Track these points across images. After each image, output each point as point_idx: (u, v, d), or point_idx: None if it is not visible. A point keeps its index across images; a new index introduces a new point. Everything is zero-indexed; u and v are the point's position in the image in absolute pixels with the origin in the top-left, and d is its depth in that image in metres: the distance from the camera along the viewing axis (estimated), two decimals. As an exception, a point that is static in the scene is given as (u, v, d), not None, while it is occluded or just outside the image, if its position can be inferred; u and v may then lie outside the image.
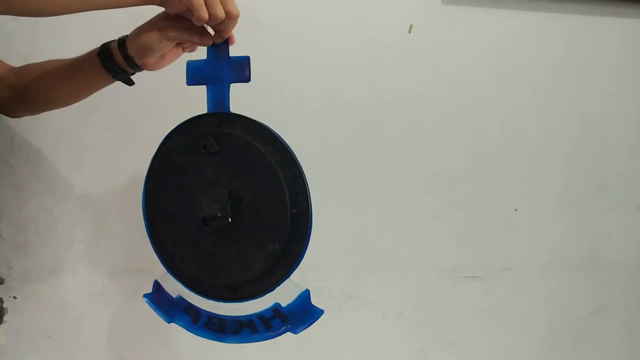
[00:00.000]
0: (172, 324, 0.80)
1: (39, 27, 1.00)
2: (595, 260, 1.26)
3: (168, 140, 0.76)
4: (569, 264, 1.25)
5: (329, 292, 1.16)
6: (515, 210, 1.21)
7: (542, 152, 1.21)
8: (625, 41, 1.21)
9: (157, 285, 0.80)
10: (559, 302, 1.26)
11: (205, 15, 0.68)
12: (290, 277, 0.74)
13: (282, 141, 0.73)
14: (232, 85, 0.76)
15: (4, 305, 1.05)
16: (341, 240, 1.15)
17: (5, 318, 1.06)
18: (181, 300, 0.79)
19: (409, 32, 1.12)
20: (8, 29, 0.99)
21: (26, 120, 0.94)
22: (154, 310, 0.79)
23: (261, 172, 0.72)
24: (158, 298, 0.79)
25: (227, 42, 0.75)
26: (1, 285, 1.05)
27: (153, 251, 0.77)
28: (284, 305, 0.75)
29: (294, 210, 0.72)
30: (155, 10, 0.72)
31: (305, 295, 0.75)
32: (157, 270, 0.79)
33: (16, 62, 0.85)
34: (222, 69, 0.75)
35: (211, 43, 0.74)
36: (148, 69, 0.77)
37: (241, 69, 0.74)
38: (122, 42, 0.75)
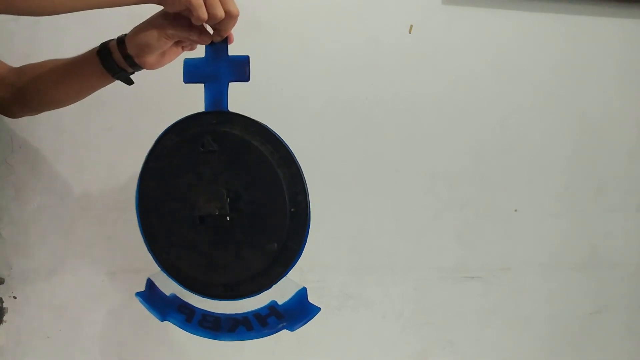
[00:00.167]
0: (170, 324, 0.80)
1: (39, 27, 1.00)
2: (595, 260, 1.26)
3: (163, 138, 0.76)
4: (569, 264, 1.25)
5: (329, 292, 1.16)
6: (515, 210, 1.21)
7: (542, 152, 1.21)
8: (625, 41, 1.21)
9: (150, 284, 0.79)
10: (559, 302, 1.26)
11: (205, 15, 0.68)
12: (288, 275, 0.74)
13: (281, 141, 0.73)
14: (231, 84, 0.75)
15: (4, 305, 1.05)
16: (341, 240, 1.15)
17: (5, 318, 1.06)
18: (175, 298, 0.79)
19: (409, 32, 1.12)
20: (8, 29, 0.99)
21: (26, 120, 0.94)
22: (147, 308, 0.78)
23: (260, 171, 0.72)
24: (151, 296, 0.79)
25: (226, 41, 0.75)
26: (1, 285, 1.05)
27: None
28: (280, 302, 0.75)
29: (292, 210, 0.72)
30: (154, 9, 0.72)
31: (302, 293, 0.75)
32: (157, 270, 0.79)
33: (16, 62, 0.85)
34: (220, 68, 0.75)
35: (210, 41, 0.74)
36: (147, 68, 0.77)
37: (240, 69, 0.75)
38: (121, 40, 0.75)
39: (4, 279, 1.05)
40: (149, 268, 0.79)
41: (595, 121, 1.22)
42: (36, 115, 0.91)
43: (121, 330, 1.10)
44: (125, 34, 0.76)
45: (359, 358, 1.20)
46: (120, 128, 1.05)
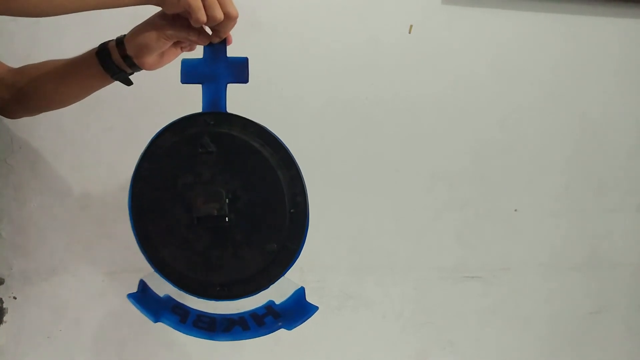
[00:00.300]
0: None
1: (39, 27, 1.00)
2: (595, 260, 1.26)
3: (159, 138, 0.75)
4: (569, 264, 1.25)
5: (329, 292, 1.16)
6: (515, 210, 1.21)
7: (542, 152, 1.21)
8: (625, 41, 1.21)
9: (142, 285, 0.79)
10: (559, 302, 1.26)
11: (204, 18, 0.68)
12: (287, 275, 0.74)
13: (280, 142, 0.73)
14: (230, 85, 0.75)
15: (4, 305, 1.06)
16: (341, 240, 1.15)
17: (5, 318, 1.06)
18: (169, 299, 0.79)
19: (409, 32, 1.12)
20: (8, 29, 0.99)
21: (26, 121, 0.94)
22: (139, 309, 0.78)
23: (260, 173, 0.73)
24: (143, 298, 0.79)
25: (224, 42, 0.75)
26: (1, 285, 1.05)
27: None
28: (277, 302, 0.75)
29: (292, 211, 0.73)
30: (154, 9, 0.72)
31: (300, 293, 0.75)
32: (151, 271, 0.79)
33: (16, 62, 0.85)
34: (218, 69, 0.75)
35: (209, 42, 0.74)
36: (146, 69, 0.77)
37: (239, 70, 0.74)
38: (120, 41, 0.75)
39: (4, 279, 1.05)
40: (148, 268, 0.79)
41: (595, 121, 1.22)
42: (36, 116, 0.91)
43: (121, 330, 1.10)
44: (124, 35, 0.75)
45: (359, 358, 1.20)
46: (120, 128, 1.05)
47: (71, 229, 1.06)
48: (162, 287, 0.78)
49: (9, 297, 1.06)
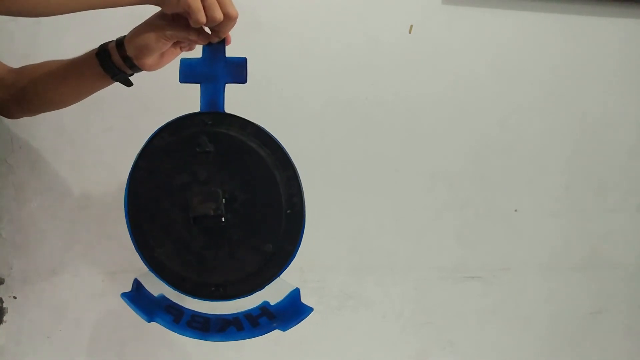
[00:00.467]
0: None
1: (39, 27, 1.00)
2: (595, 260, 1.26)
3: (156, 137, 0.76)
4: (569, 264, 1.25)
5: (329, 292, 1.16)
6: (515, 210, 1.21)
7: (542, 152, 1.21)
8: (625, 41, 1.20)
9: (136, 284, 0.79)
10: (559, 302, 1.26)
11: (203, 19, 0.67)
12: (283, 276, 0.74)
13: (277, 143, 0.73)
14: (230, 85, 0.75)
15: (4, 305, 1.06)
16: (341, 240, 1.15)
17: (5, 318, 1.06)
18: (163, 299, 0.79)
19: (409, 33, 1.12)
20: (8, 29, 0.99)
21: (26, 121, 0.94)
22: (133, 309, 0.78)
23: (257, 173, 0.72)
24: (137, 297, 0.79)
25: (223, 42, 0.75)
26: (1, 285, 1.05)
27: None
28: (272, 303, 0.75)
29: (288, 211, 0.73)
30: (154, 10, 0.72)
31: (295, 294, 0.75)
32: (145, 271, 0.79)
33: (16, 62, 0.85)
34: (217, 69, 0.74)
35: (208, 42, 0.74)
36: (146, 69, 0.77)
37: (238, 70, 0.74)
38: (119, 42, 0.75)
39: (4, 279, 1.05)
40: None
41: (595, 121, 1.22)
42: (36, 116, 0.91)
43: (121, 330, 1.10)
44: (124, 36, 0.75)
45: (359, 358, 1.20)
46: (120, 128, 1.05)
47: (71, 229, 1.06)
48: (157, 287, 0.78)
49: (9, 297, 1.06)
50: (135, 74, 0.78)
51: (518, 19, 1.15)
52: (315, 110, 1.11)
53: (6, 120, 0.97)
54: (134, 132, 1.03)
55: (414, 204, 1.17)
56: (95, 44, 0.78)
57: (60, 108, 0.86)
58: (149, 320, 0.78)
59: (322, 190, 1.13)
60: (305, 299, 1.14)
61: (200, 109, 0.75)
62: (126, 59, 0.75)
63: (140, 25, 0.74)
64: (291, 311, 0.75)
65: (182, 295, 0.77)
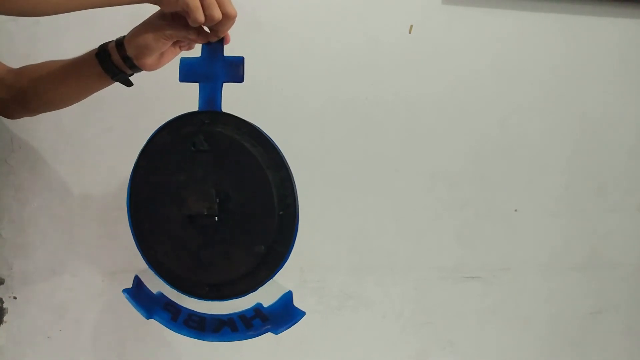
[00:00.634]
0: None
1: (39, 27, 1.00)
2: (595, 260, 1.26)
3: (156, 136, 0.76)
4: (569, 264, 1.25)
5: (329, 292, 1.16)
6: (516, 210, 1.21)
7: (542, 152, 1.21)
8: (625, 41, 1.21)
9: (137, 281, 0.80)
10: (559, 302, 1.26)
11: (202, 18, 0.67)
12: (275, 278, 0.74)
13: (272, 143, 0.73)
14: (230, 85, 0.75)
15: (4, 305, 1.06)
16: (341, 240, 1.15)
17: (5, 318, 1.06)
18: (161, 296, 0.79)
19: (409, 33, 1.12)
20: (8, 29, 0.99)
21: (26, 121, 0.94)
22: (133, 305, 0.79)
23: (250, 173, 0.72)
24: (138, 293, 0.79)
25: (221, 41, 0.74)
26: (1, 285, 1.05)
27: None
28: (265, 305, 0.75)
29: (280, 213, 0.72)
30: (153, 9, 0.72)
31: (288, 297, 0.75)
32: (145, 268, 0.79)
33: (16, 62, 0.85)
34: (215, 68, 0.74)
35: (207, 40, 0.74)
36: (146, 69, 0.77)
37: (235, 69, 0.74)
38: (119, 42, 0.75)
39: (4, 279, 1.05)
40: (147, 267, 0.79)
41: (595, 121, 1.22)
42: (36, 116, 0.91)
43: (121, 330, 1.10)
44: (124, 36, 0.75)
45: (359, 358, 1.20)
46: (120, 128, 1.05)
47: (71, 229, 1.06)
48: (156, 284, 0.79)
49: (9, 297, 1.06)
50: (135, 73, 0.78)
51: (518, 19, 1.15)
52: (315, 110, 1.11)
53: (6, 121, 0.97)
54: (134, 132, 1.03)
55: (414, 204, 1.17)
56: (95, 44, 0.78)
57: (60, 108, 0.86)
58: (148, 317, 0.79)
59: (322, 190, 1.13)
60: (305, 299, 1.15)
61: (199, 108, 0.75)
62: (126, 59, 0.75)
63: (140, 25, 0.74)
64: (284, 314, 0.74)
65: (179, 294, 0.78)
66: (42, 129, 1.03)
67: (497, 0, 1.14)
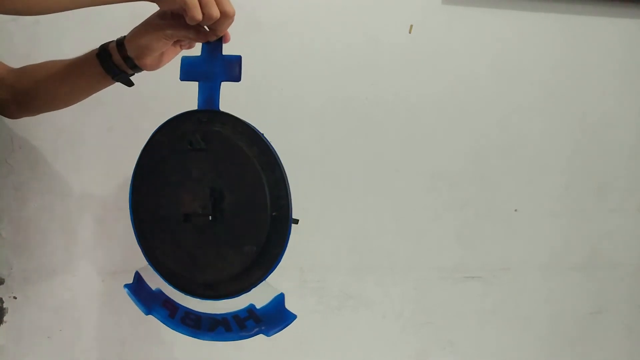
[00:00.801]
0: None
1: (39, 27, 1.00)
2: (595, 260, 1.26)
3: (157, 134, 0.76)
4: (569, 264, 1.25)
5: (329, 292, 1.17)
6: (516, 210, 1.21)
7: (542, 152, 1.21)
8: (625, 41, 1.21)
9: (137, 277, 0.80)
10: (559, 302, 1.26)
11: (199, 16, 0.67)
12: (268, 280, 0.74)
13: (267, 143, 0.73)
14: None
15: (4, 305, 1.06)
16: (341, 240, 1.15)
17: (5, 318, 1.06)
18: (160, 293, 0.80)
19: (409, 32, 1.12)
20: (8, 29, 0.99)
21: (26, 121, 0.94)
22: (133, 301, 0.79)
23: (244, 173, 0.72)
24: (138, 289, 0.80)
25: (220, 40, 0.74)
26: (1, 285, 1.05)
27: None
28: (258, 306, 0.75)
29: (274, 214, 0.72)
30: (154, 8, 0.72)
31: (280, 299, 0.74)
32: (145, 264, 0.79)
33: (16, 62, 0.85)
34: (214, 67, 0.74)
35: (207, 39, 0.74)
36: (147, 69, 0.77)
37: (233, 68, 0.74)
38: (120, 42, 0.75)
39: (4, 279, 1.05)
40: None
41: (595, 121, 1.22)
42: (36, 116, 0.91)
43: (121, 330, 1.10)
44: (124, 36, 0.75)
45: (359, 358, 1.20)
46: (120, 128, 1.05)
47: (71, 229, 1.06)
48: (155, 281, 0.79)
49: (9, 297, 1.06)
50: (135, 73, 0.78)
51: (518, 19, 1.15)
52: (315, 110, 1.11)
53: (6, 120, 0.97)
54: (134, 132, 1.03)
55: (414, 204, 1.17)
56: (95, 44, 0.78)
57: (61, 108, 0.86)
58: (147, 313, 0.79)
59: (322, 190, 1.13)
60: (305, 299, 1.15)
61: (198, 107, 0.75)
62: (127, 59, 0.75)
63: (140, 25, 0.74)
64: (276, 316, 0.74)
65: (177, 292, 0.78)
66: (42, 129, 1.03)
67: (497, 0, 1.14)
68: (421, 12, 1.12)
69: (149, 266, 0.78)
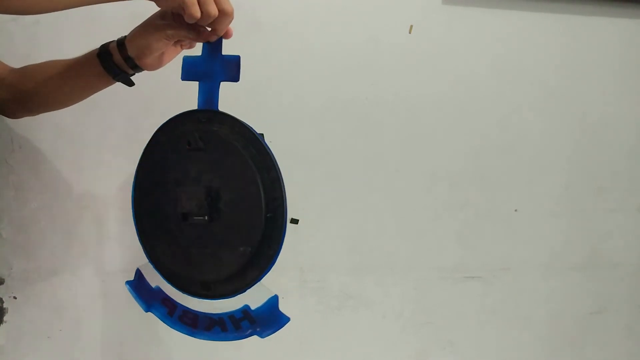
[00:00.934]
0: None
1: (39, 27, 1.00)
2: (595, 260, 1.26)
3: (158, 134, 0.77)
4: (569, 264, 1.25)
5: (329, 292, 1.16)
6: (516, 210, 1.21)
7: (542, 152, 1.21)
8: (625, 41, 1.21)
9: (138, 274, 0.81)
10: (559, 302, 1.26)
11: (198, 13, 0.66)
12: (263, 282, 0.74)
13: (263, 144, 0.73)
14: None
15: (4, 305, 1.06)
16: (341, 240, 1.15)
17: (5, 318, 1.06)
18: (159, 291, 0.80)
19: (409, 32, 1.12)
20: (8, 29, 0.99)
21: (26, 120, 0.94)
22: (134, 297, 0.80)
23: (240, 173, 0.72)
24: (139, 286, 0.81)
25: (220, 40, 0.74)
26: (1, 285, 1.05)
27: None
28: (253, 307, 0.75)
29: (268, 215, 0.71)
30: (152, 9, 0.72)
31: (274, 301, 0.74)
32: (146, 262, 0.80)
33: (16, 62, 0.85)
34: (214, 67, 0.74)
35: (208, 39, 0.74)
36: (148, 69, 0.77)
37: (232, 68, 0.74)
38: (120, 43, 0.75)
39: (4, 279, 1.05)
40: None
41: (595, 121, 1.22)
42: (36, 116, 0.91)
43: (121, 330, 1.10)
44: (125, 36, 0.75)
45: (359, 358, 1.20)
46: (120, 128, 1.05)
47: (71, 229, 1.06)
48: (155, 279, 0.80)
49: (9, 297, 1.06)
50: (136, 73, 0.78)
51: (518, 19, 1.15)
52: (315, 110, 1.11)
53: (6, 120, 0.97)
54: (134, 132, 1.04)
55: (414, 204, 1.17)
56: (95, 44, 0.78)
57: (61, 108, 0.86)
58: (147, 310, 0.80)
59: (322, 190, 1.13)
60: (305, 299, 1.15)
61: (198, 107, 0.75)
62: (128, 59, 0.75)
63: (141, 25, 0.74)
64: (269, 318, 0.74)
65: (175, 290, 0.79)
66: (42, 129, 1.03)
67: (497, 0, 1.14)
68: (421, 12, 1.12)
69: (150, 264, 0.78)
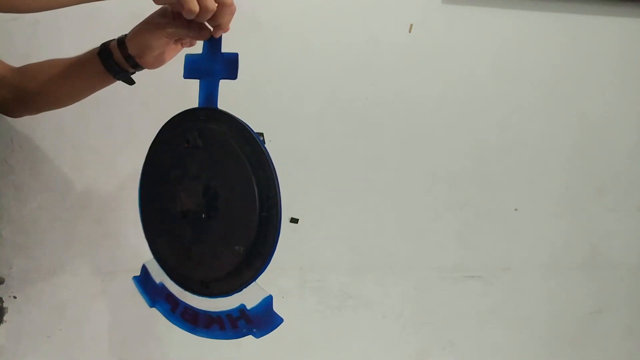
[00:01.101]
0: (170, 324, 0.80)
1: (39, 27, 1.00)
2: (595, 260, 1.26)
3: (161, 131, 0.77)
4: (569, 264, 1.25)
5: (329, 292, 1.16)
6: (516, 210, 1.21)
7: (542, 152, 1.21)
8: (625, 41, 1.21)
9: (144, 269, 0.81)
10: (559, 302, 1.26)
11: (196, 8, 0.65)
12: (258, 281, 0.74)
13: (259, 142, 0.72)
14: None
15: (4, 305, 1.05)
16: (341, 240, 1.15)
17: (5, 318, 1.06)
18: (163, 287, 0.80)
19: (409, 32, 1.12)
20: (8, 29, 0.99)
21: (26, 120, 0.94)
22: (140, 293, 0.81)
23: (236, 172, 0.72)
24: (145, 282, 0.81)
25: (220, 37, 0.74)
26: (1, 285, 1.05)
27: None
28: (248, 307, 0.75)
29: (263, 214, 0.71)
30: (152, 8, 0.72)
31: (268, 301, 0.74)
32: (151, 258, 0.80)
33: (16, 62, 0.85)
34: (214, 64, 0.74)
35: (209, 37, 0.73)
36: (149, 68, 0.77)
37: (230, 66, 0.74)
38: (121, 41, 0.75)
39: (4, 279, 1.05)
40: (149, 267, 0.79)
41: (595, 121, 1.22)
42: (36, 115, 0.91)
43: (121, 330, 1.10)
44: (125, 35, 0.75)
45: (359, 358, 1.20)
46: (120, 128, 1.05)
47: (71, 229, 1.06)
48: (159, 275, 0.80)
49: (9, 297, 1.06)
50: (136, 72, 0.78)
51: (518, 19, 1.15)
52: (315, 110, 1.11)
53: (7, 120, 0.97)
54: (134, 131, 1.04)
55: (414, 204, 1.17)
56: (95, 43, 0.78)
57: (61, 107, 0.86)
58: (152, 306, 0.81)
59: (322, 190, 1.13)
60: (305, 299, 1.15)
61: (198, 105, 0.75)
62: (128, 58, 0.75)
63: (141, 23, 0.74)
64: (264, 318, 0.74)
65: (176, 287, 0.79)
66: (42, 129, 1.03)
67: (497, 0, 1.14)
68: (421, 12, 1.12)
69: (154, 260, 0.79)
